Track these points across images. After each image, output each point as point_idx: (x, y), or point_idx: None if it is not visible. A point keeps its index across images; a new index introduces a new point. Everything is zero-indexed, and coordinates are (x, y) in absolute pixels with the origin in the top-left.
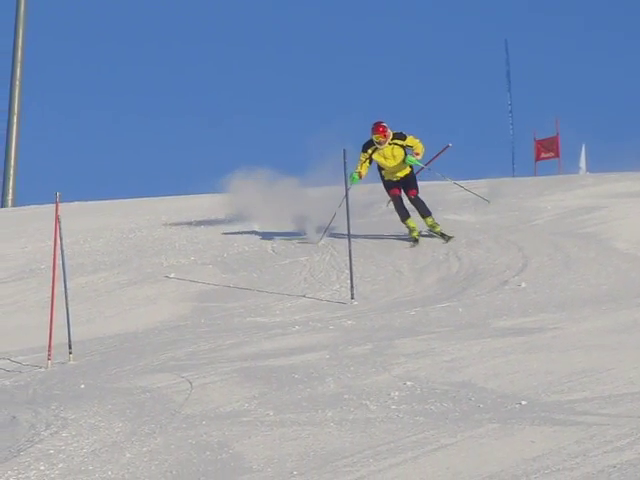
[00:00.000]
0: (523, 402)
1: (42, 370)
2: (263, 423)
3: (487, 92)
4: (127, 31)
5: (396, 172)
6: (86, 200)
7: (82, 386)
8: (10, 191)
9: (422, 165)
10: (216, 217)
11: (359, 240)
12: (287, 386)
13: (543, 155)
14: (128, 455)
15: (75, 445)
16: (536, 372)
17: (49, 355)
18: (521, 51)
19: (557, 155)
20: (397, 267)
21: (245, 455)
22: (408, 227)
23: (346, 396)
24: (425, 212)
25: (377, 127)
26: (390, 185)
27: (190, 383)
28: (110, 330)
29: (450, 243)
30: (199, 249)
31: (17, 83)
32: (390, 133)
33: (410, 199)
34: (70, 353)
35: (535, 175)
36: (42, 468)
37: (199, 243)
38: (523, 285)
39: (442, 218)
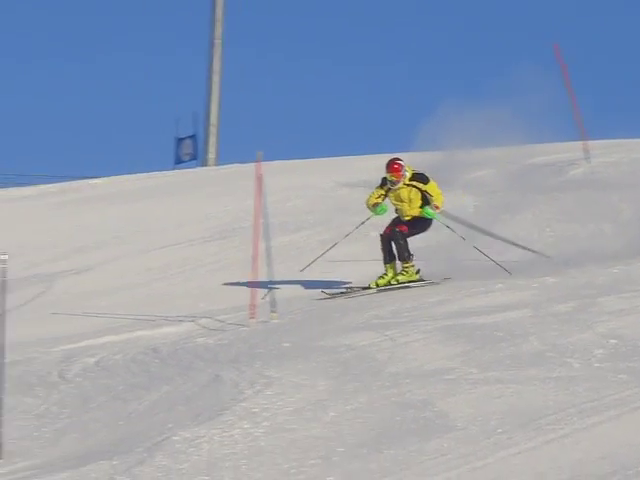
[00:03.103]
0: None
1: (245, 329)
2: (467, 381)
3: None
4: None
5: (408, 213)
6: (287, 159)
7: (285, 344)
8: (212, 150)
9: (440, 221)
10: None
11: (559, 197)
12: (490, 344)
13: None
14: (332, 413)
15: (279, 403)
16: None
17: (252, 314)
18: None
19: None
20: (598, 224)
21: (449, 413)
22: (386, 273)
23: (549, 354)
24: (400, 257)
25: (391, 164)
26: (392, 221)
27: (393, 341)
28: (313, 288)
29: None
30: None
31: (217, 42)
32: (406, 173)
33: (393, 231)
34: (273, 312)
35: None
36: (246, 426)
37: None
38: None
39: None
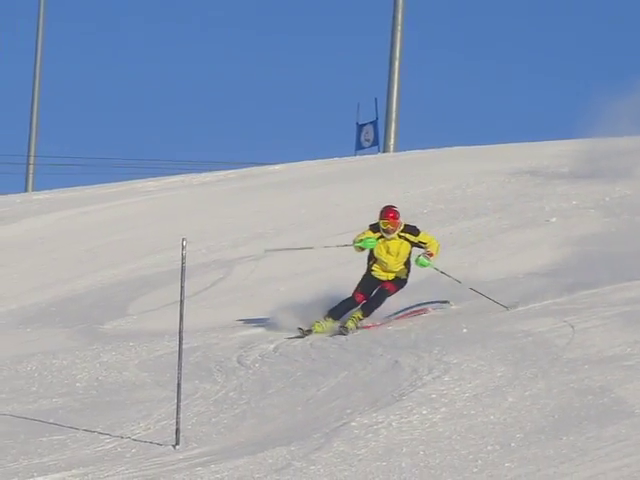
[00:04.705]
0: None
1: (423, 315)
2: None
3: None
4: None
5: (391, 270)
6: (467, 145)
7: (464, 330)
8: (392, 136)
9: (435, 268)
10: (595, 162)
11: None
12: None
13: None
14: (510, 399)
15: (457, 389)
16: None
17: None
18: None
19: None
20: None
21: (627, 399)
22: (322, 326)
23: None
24: (367, 311)
25: (387, 212)
26: (366, 284)
27: (572, 327)
28: (492, 274)
29: None
30: (580, 193)
31: (398, 29)
32: (401, 223)
33: (380, 290)
34: (446, 301)
35: None
36: (424, 412)
37: (580, 187)
38: None
39: None
